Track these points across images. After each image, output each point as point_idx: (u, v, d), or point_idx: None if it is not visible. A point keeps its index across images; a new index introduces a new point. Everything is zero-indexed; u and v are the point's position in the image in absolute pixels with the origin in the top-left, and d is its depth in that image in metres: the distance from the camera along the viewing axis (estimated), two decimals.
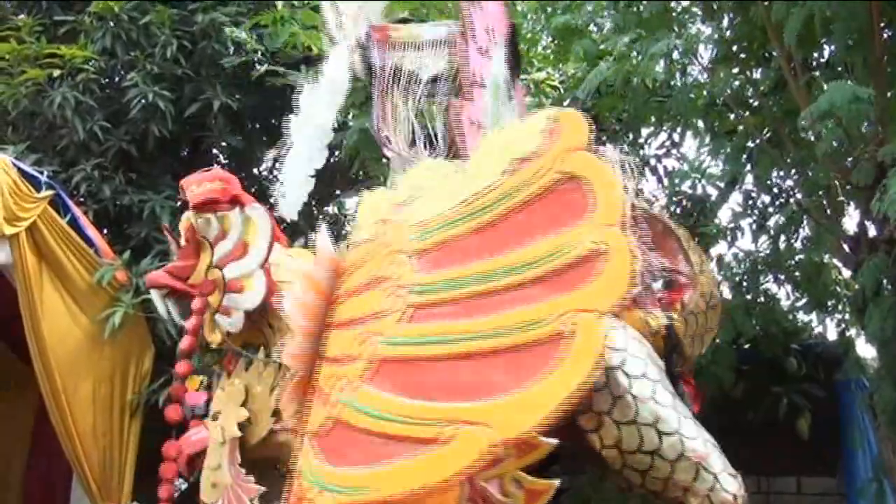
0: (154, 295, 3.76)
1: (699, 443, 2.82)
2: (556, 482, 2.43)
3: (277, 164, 3.74)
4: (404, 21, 4.17)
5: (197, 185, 3.54)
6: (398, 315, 2.22)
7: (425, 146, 3.44)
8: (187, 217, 3.67)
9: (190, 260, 3.63)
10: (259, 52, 6.03)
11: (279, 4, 6.19)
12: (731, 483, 2.80)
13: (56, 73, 5.91)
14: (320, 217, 7.07)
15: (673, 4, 5.24)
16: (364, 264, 2.49)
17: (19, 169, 4.96)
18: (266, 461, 3.41)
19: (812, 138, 4.75)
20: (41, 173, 5.15)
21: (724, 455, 2.89)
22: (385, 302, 2.29)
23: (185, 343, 3.61)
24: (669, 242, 3.52)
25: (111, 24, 6.10)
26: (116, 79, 6.33)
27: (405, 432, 2.00)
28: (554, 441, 2.22)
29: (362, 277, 2.45)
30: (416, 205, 2.49)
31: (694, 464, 2.77)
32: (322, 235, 2.63)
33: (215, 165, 3.70)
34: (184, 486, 4.86)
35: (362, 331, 2.29)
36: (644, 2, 5.01)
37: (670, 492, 2.82)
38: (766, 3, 4.37)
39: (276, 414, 3.24)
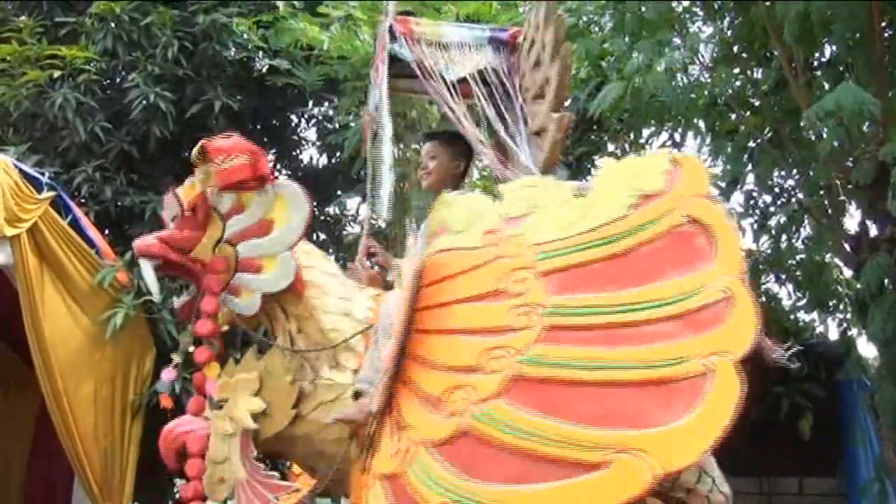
0: (144, 264, 3.24)
1: None
2: None
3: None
4: (407, 14, 4.21)
5: (226, 157, 3.13)
6: (534, 334, 2.29)
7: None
8: (195, 182, 3.25)
9: (195, 231, 3.22)
10: (261, 51, 6.03)
11: (280, 5, 6.20)
12: (724, 485, 3.01)
13: (57, 74, 5.92)
14: (321, 218, 7.08)
15: (674, 4, 5.24)
16: (472, 272, 2.55)
17: (20, 170, 4.96)
18: (276, 455, 3.31)
19: (813, 138, 4.75)
20: (42, 174, 5.15)
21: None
22: (513, 318, 2.35)
23: (205, 328, 3.18)
24: None
25: (112, 25, 6.11)
26: (118, 80, 6.33)
27: (561, 455, 2.07)
28: None
29: (473, 287, 2.51)
30: (531, 222, 2.55)
31: (698, 468, 2.91)
32: (414, 242, 2.82)
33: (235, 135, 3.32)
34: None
35: (490, 344, 2.35)
36: (646, 1, 5.01)
37: (676, 492, 2.94)
38: (767, 3, 4.37)
39: (296, 405, 3.03)
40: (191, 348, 3.29)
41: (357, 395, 2.89)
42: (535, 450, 2.11)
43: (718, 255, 2.24)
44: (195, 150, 3.21)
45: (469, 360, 2.37)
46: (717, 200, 2.39)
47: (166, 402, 3.48)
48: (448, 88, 3.67)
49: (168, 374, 3.47)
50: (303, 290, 3.11)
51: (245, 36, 5.94)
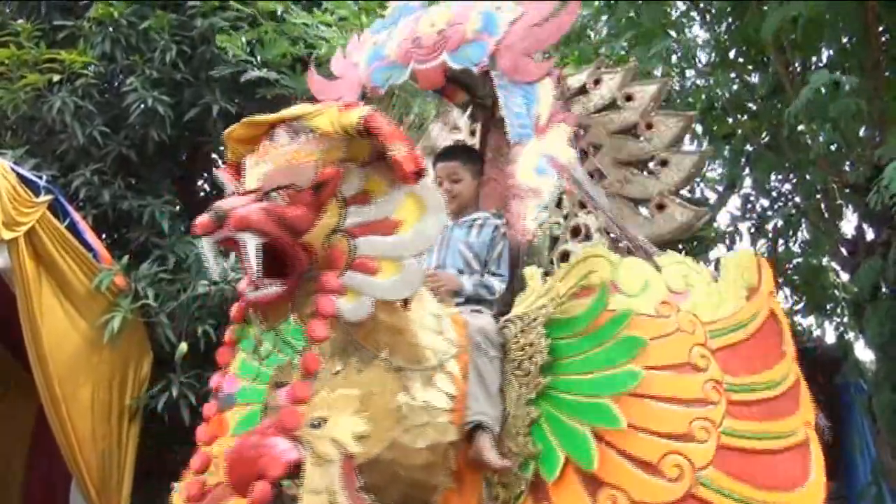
0: (249, 239, 2.48)
1: None
2: None
3: None
4: None
5: (393, 144, 2.54)
6: (723, 409, 2.65)
7: None
8: (332, 151, 2.65)
9: (312, 212, 2.60)
10: (251, 64, 6.03)
11: (278, 9, 6.20)
12: None
13: (55, 78, 5.92)
14: None
15: (670, 11, 5.25)
16: (659, 340, 2.77)
17: (18, 174, 4.96)
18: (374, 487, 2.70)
19: (809, 142, 4.76)
20: (40, 178, 5.14)
21: None
22: (705, 392, 2.68)
23: (321, 331, 2.57)
24: None
25: (110, 29, 6.12)
26: (116, 84, 6.34)
27: None
28: None
29: (665, 356, 2.75)
30: (692, 300, 2.86)
31: None
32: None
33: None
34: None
35: (696, 414, 2.65)
36: (641, 1, 5.02)
37: None
38: (763, 7, 4.38)
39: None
40: (296, 358, 2.74)
41: (477, 427, 2.78)
42: None
43: (787, 346, 2.78)
44: (354, 120, 2.55)
45: (681, 428, 2.63)
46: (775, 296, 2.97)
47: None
48: None
49: (233, 384, 2.96)
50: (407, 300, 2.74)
51: (230, 53, 5.93)
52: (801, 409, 2.69)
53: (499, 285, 3.29)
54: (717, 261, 3.87)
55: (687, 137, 5.90)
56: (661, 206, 3.72)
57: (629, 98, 3.89)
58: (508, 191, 3.55)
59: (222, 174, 2.81)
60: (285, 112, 2.71)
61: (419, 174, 2.55)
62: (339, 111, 2.59)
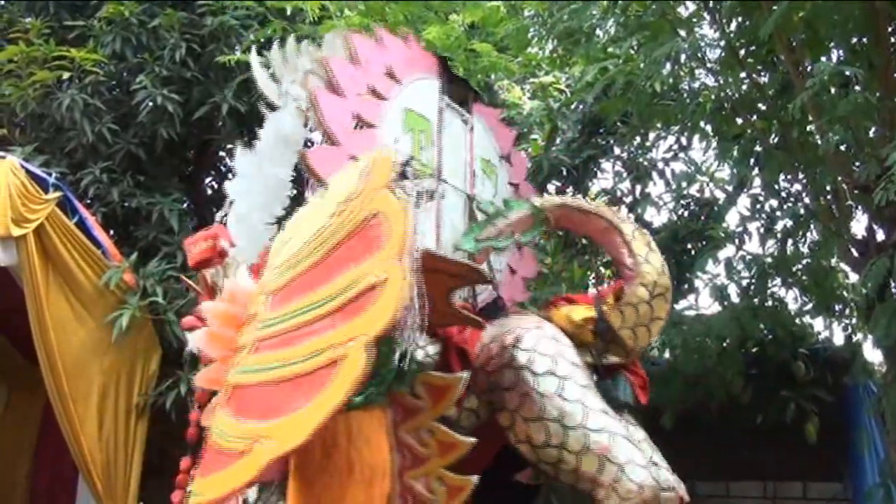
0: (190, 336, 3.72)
1: (603, 435, 3.00)
2: (474, 478, 2.79)
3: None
4: None
5: (193, 246, 3.66)
6: (249, 347, 2.46)
7: None
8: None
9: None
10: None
11: (287, 8, 6.21)
12: (638, 473, 2.95)
13: (65, 75, 5.94)
14: None
15: (680, 9, 5.23)
16: (252, 302, 2.68)
17: (27, 170, 4.98)
18: None
19: (819, 141, 4.74)
20: (49, 175, 5.16)
21: (637, 446, 3.09)
22: (247, 336, 2.53)
23: None
24: (612, 237, 3.67)
25: (120, 27, 6.13)
26: (125, 81, 6.35)
27: (228, 447, 2.28)
28: (471, 440, 2.76)
29: (246, 315, 2.66)
30: (287, 246, 2.65)
31: (597, 455, 2.96)
32: (243, 274, 2.95)
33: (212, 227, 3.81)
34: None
35: (233, 362, 2.53)
36: (647, 1, 5.01)
37: (581, 483, 3.02)
38: (773, 6, 4.36)
39: None
40: None
41: None
42: (221, 446, 2.30)
43: (387, 243, 2.27)
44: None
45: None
46: (399, 188, 2.39)
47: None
48: None
49: None
50: None
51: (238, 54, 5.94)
52: (350, 324, 2.21)
53: None
54: None
55: (696, 137, 5.95)
56: None
57: None
58: None
59: None
60: None
61: (217, 257, 3.51)
62: None
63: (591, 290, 6.24)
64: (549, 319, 3.49)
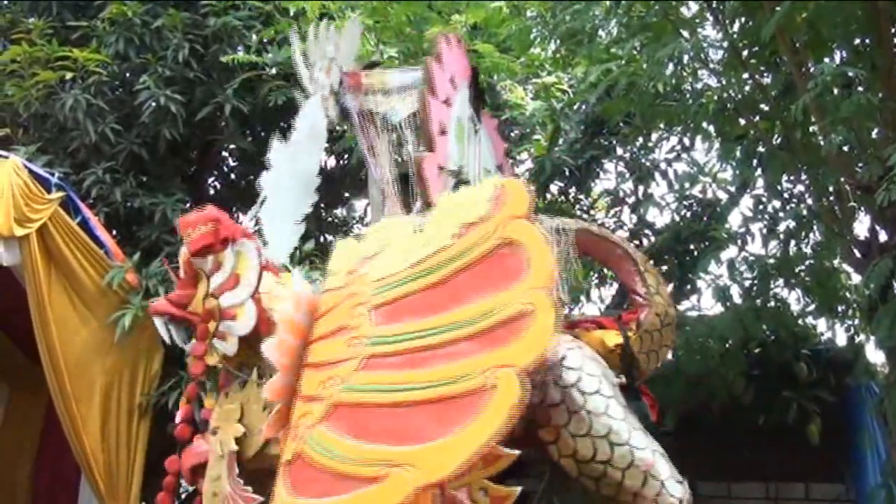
0: (157, 321, 3.92)
1: (647, 452, 3.20)
2: (518, 489, 2.86)
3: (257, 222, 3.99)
4: (373, 65, 4.44)
5: (193, 230, 3.71)
6: (356, 363, 2.42)
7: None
8: (184, 251, 3.87)
9: (188, 290, 3.87)
10: (266, 67, 6.04)
11: (290, 9, 6.21)
12: (676, 488, 3.15)
13: (68, 75, 5.94)
14: (328, 220, 7.09)
15: (683, 10, 5.23)
16: (332, 311, 2.68)
17: (30, 170, 4.99)
18: (263, 472, 3.49)
19: (822, 142, 4.74)
20: (52, 175, 5.17)
21: (670, 463, 3.23)
22: (346, 350, 2.49)
23: (195, 367, 3.77)
24: (627, 265, 3.94)
25: (123, 27, 6.13)
26: (128, 82, 6.36)
27: (352, 471, 2.22)
28: (516, 452, 2.62)
29: (330, 324, 2.65)
30: (379, 260, 2.67)
31: (642, 472, 3.14)
32: (298, 279, 2.98)
33: (210, 207, 3.84)
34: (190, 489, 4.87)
35: (326, 375, 2.49)
36: (650, 1, 5.00)
37: (622, 497, 3.17)
38: (776, 7, 4.36)
39: None
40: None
41: None
42: (337, 468, 2.26)
43: (528, 273, 2.29)
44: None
45: (315, 390, 2.50)
46: (534, 219, 2.45)
47: (184, 433, 3.83)
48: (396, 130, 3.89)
49: (208, 414, 3.82)
50: (267, 330, 3.21)
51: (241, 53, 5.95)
52: (498, 351, 2.20)
53: None
54: None
55: (699, 138, 5.95)
56: None
57: None
58: None
59: None
60: None
61: (218, 244, 3.66)
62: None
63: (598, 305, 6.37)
64: (578, 337, 3.63)
